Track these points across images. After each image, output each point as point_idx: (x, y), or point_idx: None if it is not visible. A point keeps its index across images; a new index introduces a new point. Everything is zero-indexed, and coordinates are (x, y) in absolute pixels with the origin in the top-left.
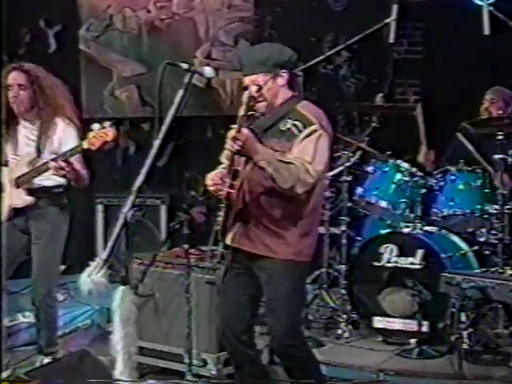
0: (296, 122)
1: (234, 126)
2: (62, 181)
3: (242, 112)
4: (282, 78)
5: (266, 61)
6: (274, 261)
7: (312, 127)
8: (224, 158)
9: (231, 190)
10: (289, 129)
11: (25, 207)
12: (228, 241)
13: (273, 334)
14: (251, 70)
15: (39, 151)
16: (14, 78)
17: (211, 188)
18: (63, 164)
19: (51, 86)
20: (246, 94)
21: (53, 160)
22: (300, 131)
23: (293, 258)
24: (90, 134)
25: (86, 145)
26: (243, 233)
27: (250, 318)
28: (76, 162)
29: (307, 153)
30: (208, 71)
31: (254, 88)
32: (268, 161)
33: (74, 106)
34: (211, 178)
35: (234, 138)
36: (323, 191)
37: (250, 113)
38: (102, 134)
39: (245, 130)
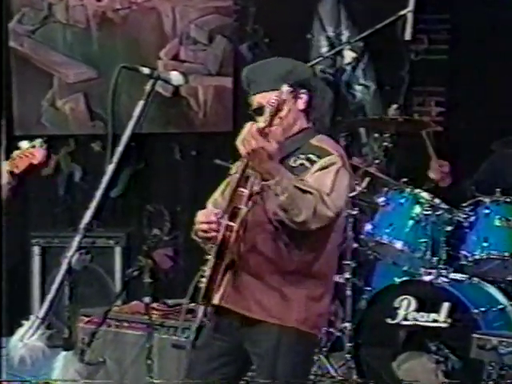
0: (310, 156)
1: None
2: None
3: (261, 125)
4: (302, 101)
5: (288, 75)
6: (271, 328)
7: (330, 158)
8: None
9: (229, 233)
10: (301, 164)
11: None
12: (216, 300)
13: None
14: (268, 85)
15: None
16: None
17: (203, 226)
18: None
19: None
20: (267, 110)
21: None
22: (313, 162)
23: (295, 325)
24: (15, 154)
25: (7, 166)
26: (235, 289)
27: None
28: None
29: (323, 184)
30: (175, 77)
31: (272, 104)
32: (284, 186)
33: None
34: (205, 215)
35: (253, 136)
36: (341, 245)
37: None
38: (27, 153)
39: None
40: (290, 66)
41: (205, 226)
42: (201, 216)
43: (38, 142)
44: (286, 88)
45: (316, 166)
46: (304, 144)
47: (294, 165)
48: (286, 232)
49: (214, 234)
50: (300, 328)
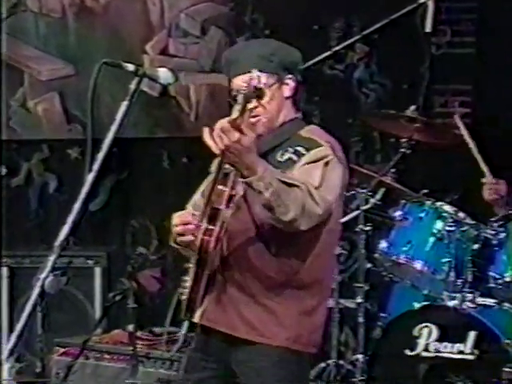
0: (298, 148)
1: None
2: None
3: (234, 115)
4: (288, 88)
5: (271, 56)
6: (260, 349)
7: (319, 149)
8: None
9: (208, 238)
10: (289, 158)
11: None
12: (196, 318)
13: None
14: (249, 65)
15: None
16: None
17: (178, 229)
18: None
19: None
20: (240, 96)
21: None
22: (301, 155)
23: (287, 345)
24: None
25: None
26: (218, 306)
27: None
28: None
29: (311, 178)
30: (163, 74)
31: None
32: (267, 181)
33: None
34: (181, 217)
35: (224, 130)
36: (336, 245)
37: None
38: None
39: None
40: (273, 47)
41: (180, 229)
42: (176, 218)
43: None
44: (256, 73)
45: (303, 160)
46: (292, 136)
47: (281, 159)
48: (274, 239)
49: (191, 237)
50: (292, 347)
